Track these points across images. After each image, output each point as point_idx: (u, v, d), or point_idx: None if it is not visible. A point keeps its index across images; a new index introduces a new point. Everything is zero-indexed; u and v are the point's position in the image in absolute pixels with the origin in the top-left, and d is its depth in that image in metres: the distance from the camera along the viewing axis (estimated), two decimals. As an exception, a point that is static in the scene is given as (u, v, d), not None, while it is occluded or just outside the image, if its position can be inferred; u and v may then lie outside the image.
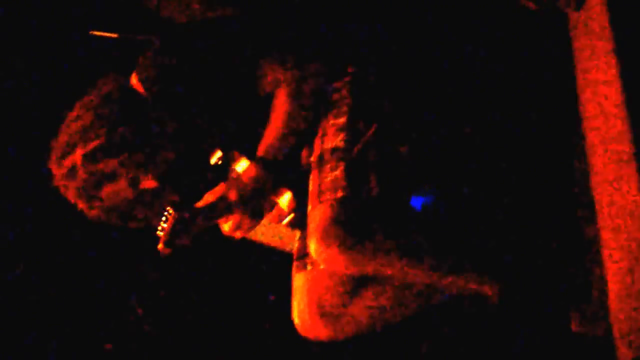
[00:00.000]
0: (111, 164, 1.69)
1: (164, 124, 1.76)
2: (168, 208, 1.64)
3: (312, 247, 1.63)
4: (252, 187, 1.72)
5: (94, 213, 1.73)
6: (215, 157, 1.80)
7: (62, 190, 1.73)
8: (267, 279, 2.46)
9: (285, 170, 1.75)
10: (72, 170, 1.69)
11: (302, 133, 1.76)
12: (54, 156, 1.73)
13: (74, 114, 1.74)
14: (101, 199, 1.70)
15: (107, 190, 1.70)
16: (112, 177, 1.70)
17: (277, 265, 2.05)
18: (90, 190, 1.69)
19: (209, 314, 2.56)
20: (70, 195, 1.72)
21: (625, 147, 1.58)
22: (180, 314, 2.58)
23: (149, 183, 1.72)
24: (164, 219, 1.64)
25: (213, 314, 2.56)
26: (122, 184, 1.70)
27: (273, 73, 1.75)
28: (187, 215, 1.64)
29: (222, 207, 1.71)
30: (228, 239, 1.81)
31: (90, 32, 2.36)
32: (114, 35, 2.33)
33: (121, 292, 2.58)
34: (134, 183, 1.71)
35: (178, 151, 1.76)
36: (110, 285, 2.57)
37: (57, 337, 2.51)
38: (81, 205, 1.73)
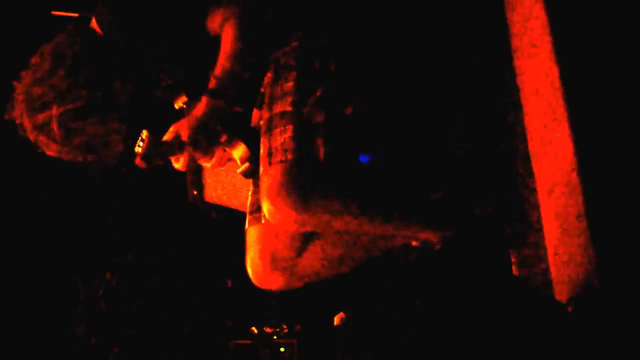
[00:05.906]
0: (86, 123, 1.79)
1: (130, 81, 1.86)
2: (144, 130, 1.75)
3: (265, 208, 1.70)
4: (201, 120, 1.79)
5: (59, 152, 1.83)
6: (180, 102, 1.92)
7: (31, 137, 1.82)
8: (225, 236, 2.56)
9: (236, 100, 1.83)
10: (46, 124, 1.78)
11: (249, 65, 1.82)
12: (25, 106, 1.80)
13: (45, 66, 1.82)
14: (70, 145, 1.81)
15: (77, 140, 1.81)
16: (83, 131, 1.80)
17: (235, 222, 2.14)
18: (61, 142, 1.79)
19: (173, 272, 2.65)
20: (41, 142, 1.81)
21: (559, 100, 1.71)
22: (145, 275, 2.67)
23: (115, 125, 1.83)
24: (139, 140, 1.75)
25: (177, 270, 2.65)
26: (92, 134, 1.82)
27: (220, 13, 1.83)
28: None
29: (176, 144, 1.81)
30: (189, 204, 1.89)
31: (52, 12, 2.42)
32: (75, 15, 2.40)
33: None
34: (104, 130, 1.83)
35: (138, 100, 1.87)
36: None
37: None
38: (50, 151, 1.83)
